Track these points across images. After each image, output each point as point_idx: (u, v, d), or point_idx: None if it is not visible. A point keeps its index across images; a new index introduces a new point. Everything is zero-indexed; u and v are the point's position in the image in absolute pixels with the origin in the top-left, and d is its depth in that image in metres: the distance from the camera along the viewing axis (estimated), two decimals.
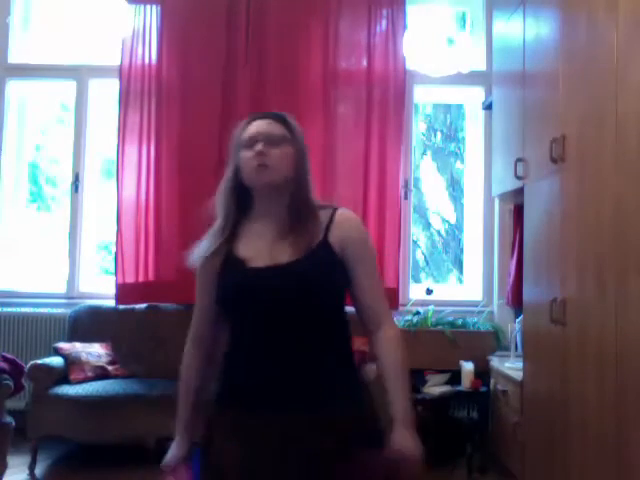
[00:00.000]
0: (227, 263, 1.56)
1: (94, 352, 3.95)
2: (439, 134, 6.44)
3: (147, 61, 4.42)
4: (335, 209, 1.61)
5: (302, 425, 1.46)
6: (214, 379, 1.63)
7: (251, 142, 1.56)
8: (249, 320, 1.52)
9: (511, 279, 4.00)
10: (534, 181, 3.08)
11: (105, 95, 4.67)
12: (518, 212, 3.81)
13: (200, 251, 1.61)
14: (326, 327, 1.53)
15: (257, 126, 1.59)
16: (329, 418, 1.47)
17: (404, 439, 1.49)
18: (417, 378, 3.90)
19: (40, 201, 5.51)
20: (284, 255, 1.51)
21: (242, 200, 1.61)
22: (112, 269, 4.50)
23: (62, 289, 4.56)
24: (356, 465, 1.45)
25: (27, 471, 3.56)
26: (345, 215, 1.60)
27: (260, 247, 1.54)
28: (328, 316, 1.55)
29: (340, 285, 1.56)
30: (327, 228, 1.56)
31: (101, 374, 3.86)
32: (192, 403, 1.64)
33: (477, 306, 4.38)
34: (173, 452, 1.63)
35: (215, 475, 1.52)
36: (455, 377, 3.86)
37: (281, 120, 1.61)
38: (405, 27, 4.36)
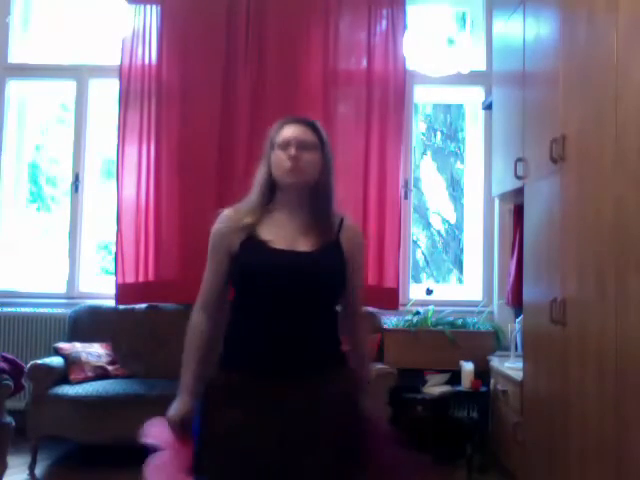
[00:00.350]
0: (248, 242, 1.73)
1: (94, 352, 3.95)
2: (439, 134, 6.45)
3: (147, 61, 4.41)
4: (343, 217, 1.85)
5: (301, 390, 1.66)
6: (218, 343, 1.77)
7: (285, 144, 1.75)
8: (262, 294, 1.70)
9: (511, 279, 4.00)
10: (534, 181, 3.08)
11: (105, 95, 4.67)
12: (518, 212, 3.81)
13: (226, 222, 1.79)
14: (325, 310, 1.78)
15: (292, 131, 1.77)
16: (322, 385, 1.69)
17: (371, 404, 1.84)
18: (417, 378, 3.90)
19: (40, 201, 5.51)
20: (304, 246, 1.73)
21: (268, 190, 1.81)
22: (112, 269, 4.50)
23: (62, 289, 4.56)
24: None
25: (27, 471, 3.56)
26: (352, 224, 1.88)
27: (281, 234, 1.75)
28: (328, 302, 1.80)
29: (344, 278, 1.79)
30: (339, 231, 1.80)
31: (101, 374, 3.86)
32: (196, 365, 1.77)
33: (477, 306, 4.37)
34: (176, 408, 1.77)
35: (214, 443, 1.66)
36: (455, 377, 3.86)
37: (313, 127, 1.80)
38: (405, 27, 4.36)
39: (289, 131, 1.76)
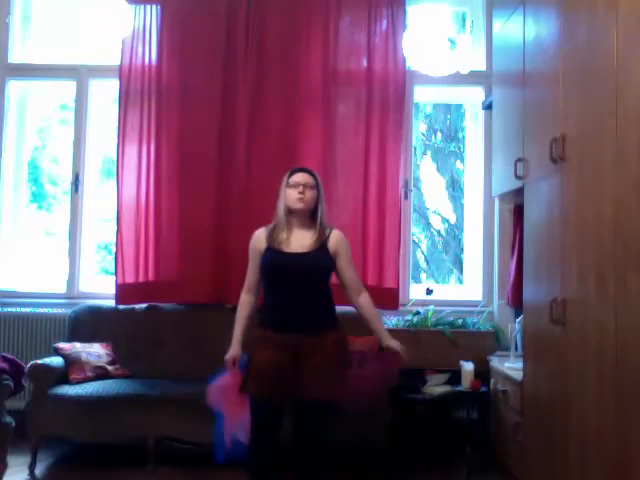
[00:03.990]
0: (270, 248, 2.82)
1: (94, 352, 3.95)
2: (439, 134, 6.45)
3: (147, 61, 4.41)
4: (332, 228, 2.93)
5: (308, 340, 2.72)
6: (256, 313, 2.90)
7: (295, 185, 2.85)
8: (280, 281, 2.80)
9: (511, 279, 4.00)
10: (534, 181, 3.08)
11: (105, 95, 4.68)
12: (518, 212, 3.81)
13: (258, 237, 2.90)
14: (321, 288, 2.83)
15: (300, 177, 2.86)
16: (323, 337, 2.75)
17: (395, 343, 2.87)
18: (417, 378, 3.90)
19: (40, 201, 5.51)
20: (303, 248, 2.81)
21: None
22: (112, 269, 4.50)
23: (62, 289, 4.56)
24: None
25: (27, 471, 3.56)
26: (337, 232, 2.92)
27: (290, 241, 2.83)
28: (323, 283, 2.84)
29: (330, 267, 2.87)
30: (327, 239, 2.88)
31: (101, 374, 3.86)
32: (243, 325, 2.89)
33: (477, 306, 4.37)
34: (231, 353, 2.84)
35: (255, 370, 2.72)
36: (455, 377, 3.85)
37: (311, 174, 2.90)
38: (405, 27, 4.36)
39: (297, 177, 2.85)
